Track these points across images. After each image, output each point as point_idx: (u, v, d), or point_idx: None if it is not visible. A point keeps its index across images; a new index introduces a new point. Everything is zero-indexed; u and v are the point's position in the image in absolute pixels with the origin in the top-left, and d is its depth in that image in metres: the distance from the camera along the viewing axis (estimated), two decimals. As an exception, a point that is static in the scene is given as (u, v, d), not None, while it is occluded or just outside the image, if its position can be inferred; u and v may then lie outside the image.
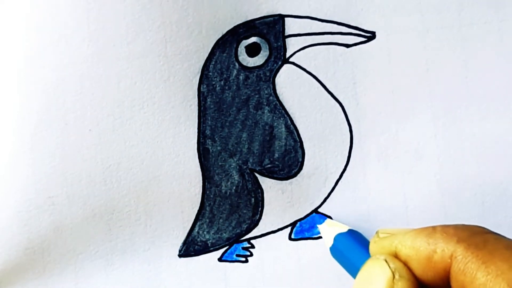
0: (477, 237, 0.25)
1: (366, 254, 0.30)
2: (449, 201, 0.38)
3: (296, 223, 0.38)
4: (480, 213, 0.38)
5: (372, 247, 0.29)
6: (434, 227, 0.26)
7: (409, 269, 0.25)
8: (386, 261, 0.25)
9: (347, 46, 0.37)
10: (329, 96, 0.38)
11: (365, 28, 0.37)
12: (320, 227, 0.36)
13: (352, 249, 0.33)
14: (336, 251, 0.35)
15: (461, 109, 0.38)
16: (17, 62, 0.35)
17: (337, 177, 0.38)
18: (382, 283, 0.25)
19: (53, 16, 0.35)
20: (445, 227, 0.26)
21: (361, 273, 0.26)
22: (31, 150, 0.36)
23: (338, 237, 0.34)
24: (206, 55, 0.37)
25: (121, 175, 0.36)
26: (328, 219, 0.37)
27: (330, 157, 0.38)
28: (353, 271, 0.32)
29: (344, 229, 0.35)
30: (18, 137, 0.36)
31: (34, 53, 0.35)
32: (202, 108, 0.37)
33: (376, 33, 0.37)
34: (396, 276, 0.25)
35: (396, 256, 0.26)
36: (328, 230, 0.35)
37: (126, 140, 0.36)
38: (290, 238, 0.38)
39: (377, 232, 0.29)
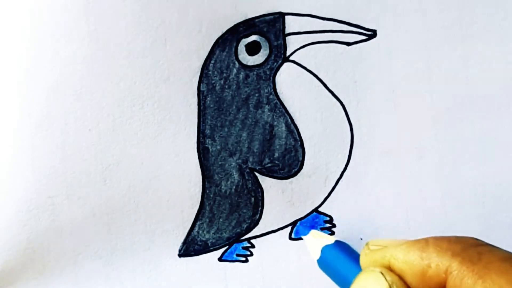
0: (471, 250, 0.25)
1: (355, 266, 0.30)
2: (449, 201, 0.38)
3: (297, 222, 0.39)
4: (481, 214, 0.38)
5: (363, 260, 0.28)
6: (426, 240, 0.26)
7: (404, 282, 0.25)
8: (382, 274, 0.25)
9: (348, 44, 0.38)
10: (330, 94, 0.38)
11: (366, 26, 0.38)
12: (306, 238, 0.36)
13: (341, 261, 0.33)
14: (324, 263, 0.34)
15: (462, 109, 0.38)
16: (17, 62, 0.36)
17: (338, 176, 0.38)
18: None
19: (52, 15, 0.36)
20: (437, 240, 0.25)
21: (355, 286, 0.26)
22: (31, 150, 0.36)
23: (325, 249, 0.34)
24: (206, 54, 0.37)
25: (121, 174, 0.37)
26: (313, 230, 0.37)
27: (330, 156, 0.38)
28: (343, 283, 0.31)
29: (331, 240, 0.34)
30: (18, 137, 0.36)
31: (33, 53, 0.36)
32: (202, 107, 0.38)
33: (377, 32, 0.38)
34: None
35: (389, 269, 0.26)
36: (314, 242, 0.34)
37: (126, 139, 0.37)
38: (290, 238, 0.39)
39: (367, 244, 0.28)
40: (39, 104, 0.36)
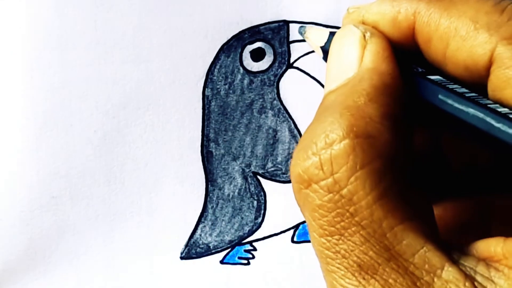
0: None
1: None
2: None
3: (299, 225, 0.40)
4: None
5: (342, 23, 0.29)
6: None
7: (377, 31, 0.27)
8: (355, 26, 0.27)
9: (351, 52, 0.40)
10: (332, 101, 0.40)
11: (369, 35, 0.40)
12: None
13: None
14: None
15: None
16: (24, 63, 0.37)
17: (340, 182, 0.40)
18: (355, 42, 0.26)
19: (60, 18, 0.37)
20: None
21: (333, 44, 0.27)
22: (36, 150, 0.38)
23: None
24: (211, 59, 0.39)
25: (124, 176, 0.39)
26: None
27: (332, 162, 0.40)
28: None
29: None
30: (23, 137, 0.38)
31: (40, 54, 0.37)
32: (206, 111, 0.39)
33: (380, 40, 0.40)
34: (367, 35, 0.26)
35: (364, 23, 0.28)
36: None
37: (130, 142, 0.39)
38: (292, 241, 0.40)
39: (347, 9, 0.30)
40: (45, 105, 0.38)
